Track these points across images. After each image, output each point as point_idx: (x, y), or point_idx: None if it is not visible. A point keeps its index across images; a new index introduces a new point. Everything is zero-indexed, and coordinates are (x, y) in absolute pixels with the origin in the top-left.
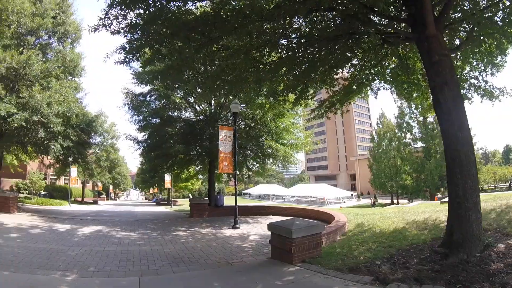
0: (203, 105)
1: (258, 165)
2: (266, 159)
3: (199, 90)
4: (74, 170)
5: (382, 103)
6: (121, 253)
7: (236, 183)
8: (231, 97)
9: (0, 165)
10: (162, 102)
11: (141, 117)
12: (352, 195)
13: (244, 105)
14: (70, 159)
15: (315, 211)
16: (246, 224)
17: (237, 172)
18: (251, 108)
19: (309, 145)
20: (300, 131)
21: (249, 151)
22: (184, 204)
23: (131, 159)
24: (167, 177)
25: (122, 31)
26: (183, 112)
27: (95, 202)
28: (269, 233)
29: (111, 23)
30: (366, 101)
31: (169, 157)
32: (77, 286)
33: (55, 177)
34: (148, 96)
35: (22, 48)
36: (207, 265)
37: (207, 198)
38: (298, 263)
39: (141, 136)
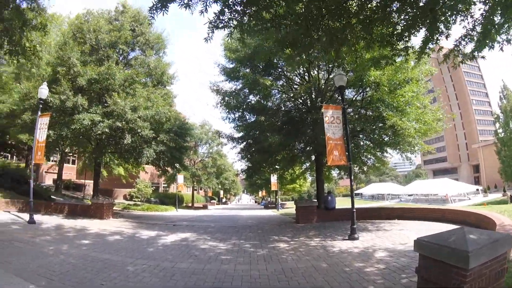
0: (300, 87)
1: (373, 158)
2: (385, 149)
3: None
4: (180, 177)
5: (501, 73)
6: (191, 273)
7: (352, 178)
8: (334, 67)
9: (98, 174)
10: (256, 95)
11: (236, 115)
12: (477, 189)
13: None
14: (174, 166)
15: (455, 211)
16: (366, 232)
17: (352, 164)
18: (361, 67)
19: (440, 124)
20: (425, 105)
21: (362, 141)
22: (291, 207)
23: (240, 164)
24: (273, 179)
25: None
26: (280, 104)
27: (204, 207)
28: (401, 247)
29: None
30: (480, 76)
31: (267, 152)
32: None
33: (166, 185)
34: (242, 93)
35: (103, 61)
36: None
37: (315, 200)
38: None
39: (237, 133)
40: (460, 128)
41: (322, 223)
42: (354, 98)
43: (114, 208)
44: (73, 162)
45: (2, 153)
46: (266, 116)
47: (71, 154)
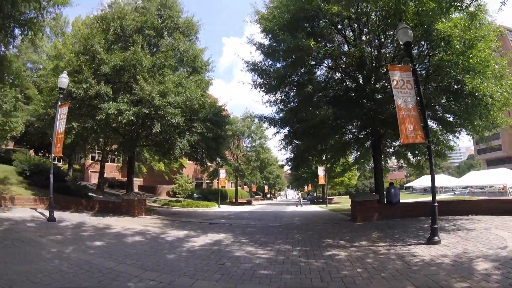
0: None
1: (437, 141)
2: (456, 130)
3: None
4: (222, 172)
5: None
6: None
7: (432, 161)
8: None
9: (132, 169)
10: (299, 76)
11: (277, 97)
12: None
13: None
14: (213, 159)
15: None
16: (443, 233)
17: (430, 141)
18: (427, 16)
19: None
20: (503, 66)
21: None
22: (340, 202)
23: (284, 153)
24: (321, 172)
25: None
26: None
27: (248, 203)
28: (503, 253)
29: None
30: None
31: (315, 134)
32: None
33: (209, 181)
34: (283, 71)
35: (129, 47)
36: None
37: (375, 193)
38: None
39: (278, 115)
40: None
41: (386, 220)
42: (415, 67)
43: (154, 204)
44: (118, 161)
45: (47, 155)
46: (313, 89)
47: (110, 152)
